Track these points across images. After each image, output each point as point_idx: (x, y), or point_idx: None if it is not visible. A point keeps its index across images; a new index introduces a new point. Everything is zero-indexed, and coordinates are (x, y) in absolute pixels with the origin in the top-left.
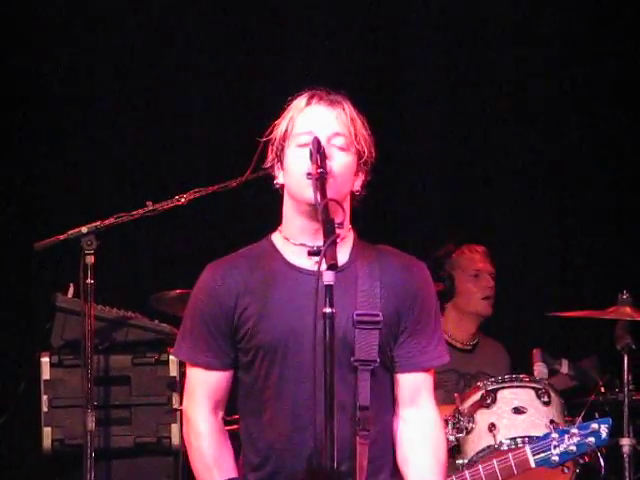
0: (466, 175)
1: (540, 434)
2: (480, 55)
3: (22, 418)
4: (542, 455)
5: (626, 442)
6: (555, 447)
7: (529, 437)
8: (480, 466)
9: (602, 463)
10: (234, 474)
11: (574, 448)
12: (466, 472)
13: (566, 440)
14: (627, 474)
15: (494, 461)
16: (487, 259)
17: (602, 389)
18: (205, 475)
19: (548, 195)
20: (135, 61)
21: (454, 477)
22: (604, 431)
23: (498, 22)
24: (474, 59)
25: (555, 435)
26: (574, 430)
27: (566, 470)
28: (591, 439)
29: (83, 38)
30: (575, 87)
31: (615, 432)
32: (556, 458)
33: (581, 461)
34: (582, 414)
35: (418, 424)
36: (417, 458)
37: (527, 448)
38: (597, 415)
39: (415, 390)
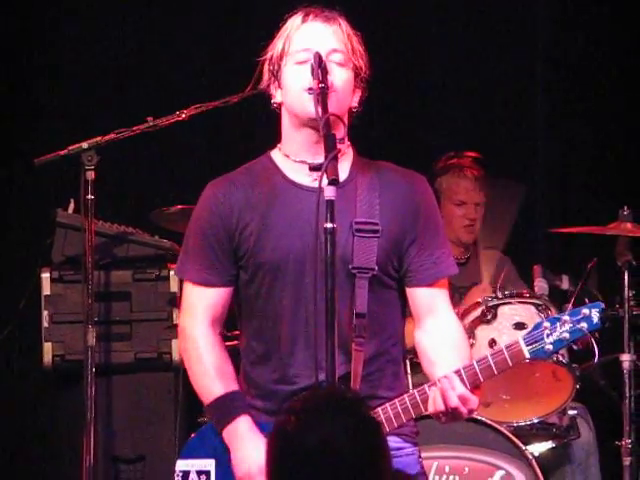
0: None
1: None
2: None
3: (23, 333)
4: (536, 345)
5: (626, 358)
6: (548, 336)
7: None
8: (474, 362)
9: (596, 349)
10: (236, 387)
11: (567, 335)
12: (461, 368)
13: (558, 327)
14: (627, 390)
15: (488, 355)
16: (479, 188)
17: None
18: (207, 388)
19: (550, 110)
20: None
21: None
22: (595, 315)
23: None
24: None
25: (547, 324)
26: (565, 317)
27: (560, 358)
28: (583, 324)
29: None
30: None
31: (615, 348)
32: (550, 347)
33: (575, 347)
34: (572, 301)
35: (440, 331)
36: (444, 359)
37: (520, 339)
38: (587, 300)
39: (433, 300)
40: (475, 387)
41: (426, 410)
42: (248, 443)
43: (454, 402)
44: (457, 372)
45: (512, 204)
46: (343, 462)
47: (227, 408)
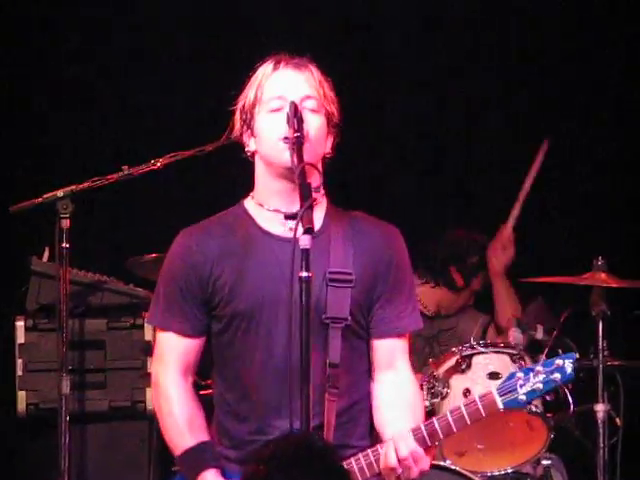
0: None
1: None
2: None
3: None
4: (509, 395)
5: (600, 408)
6: (521, 386)
7: None
8: (448, 413)
9: (570, 399)
10: (207, 438)
11: (540, 385)
12: (434, 419)
13: (532, 378)
14: (601, 440)
15: (461, 406)
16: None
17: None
18: (177, 440)
19: (523, 163)
20: (107, 28)
21: (422, 425)
22: (569, 366)
23: None
24: None
25: (520, 374)
26: (539, 367)
27: (534, 408)
28: (557, 375)
29: None
30: None
31: (589, 398)
32: (523, 397)
33: (548, 398)
34: (545, 352)
35: (396, 387)
36: (395, 418)
37: (493, 389)
38: (561, 351)
39: (392, 354)
40: (427, 448)
41: (379, 470)
42: None
43: (404, 455)
44: (413, 430)
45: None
46: None
47: (196, 460)
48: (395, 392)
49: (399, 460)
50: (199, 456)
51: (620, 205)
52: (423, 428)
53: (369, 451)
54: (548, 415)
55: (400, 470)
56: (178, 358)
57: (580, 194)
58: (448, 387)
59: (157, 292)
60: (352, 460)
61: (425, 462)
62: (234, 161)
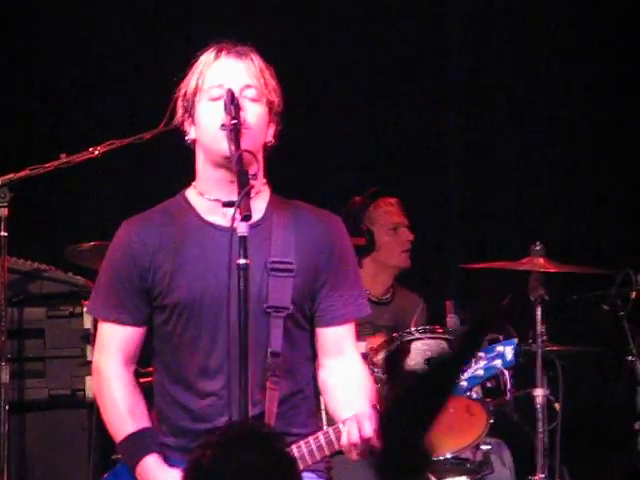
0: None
1: None
2: None
3: None
4: None
5: (539, 393)
6: (462, 373)
7: None
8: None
9: (509, 385)
10: (148, 424)
11: (481, 372)
12: (375, 406)
13: (473, 365)
14: (540, 424)
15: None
16: (402, 212)
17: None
18: (118, 425)
19: (459, 146)
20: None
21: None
22: (510, 352)
23: None
24: None
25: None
26: (480, 354)
27: (474, 395)
28: (498, 361)
29: None
30: None
31: (528, 383)
32: (464, 384)
33: (489, 384)
34: (487, 339)
35: (347, 371)
36: (351, 400)
37: None
38: (501, 337)
39: (339, 341)
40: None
41: (340, 447)
42: (160, 473)
43: (369, 434)
44: (369, 413)
45: None
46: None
47: (138, 446)
48: (347, 376)
49: (362, 437)
50: (140, 442)
51: (558, 190)
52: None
53: (311, 438)
54: (487, 400)
55: (362, 447)
56: (119, 348)
57: (517, 179)
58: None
59: (98, 282)
60: (293, 447)
61: (377, 443)
62: (176, 149)
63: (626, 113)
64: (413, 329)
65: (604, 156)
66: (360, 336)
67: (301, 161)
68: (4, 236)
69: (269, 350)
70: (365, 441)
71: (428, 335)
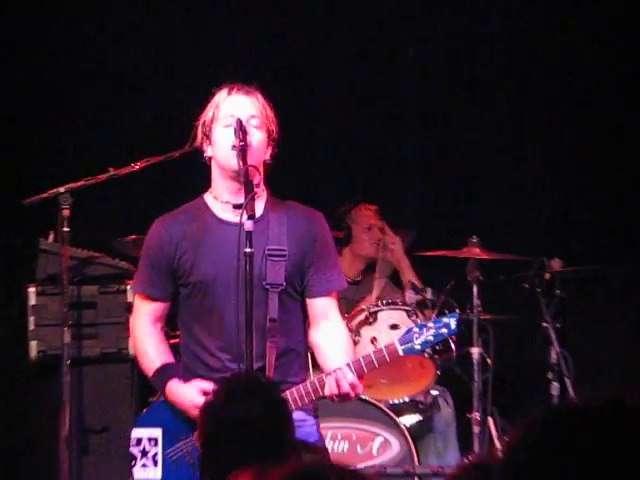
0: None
1: None
2: None
3: (15, 335)
4: (407, 345)
5: (475, 351)
6: (417, 338)
7: None
8: (361, 357)
9: (453, 347)
10: (172, 360)
11: (432, 338)
12: (350, 362)
13: (425, 332)
14: (476, 375)
15: (371, 353)
16: (378, 216)
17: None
18: (149, 366)
19: (419, 150)
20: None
21: (360, 358)
22: (453, 323)
23: None
24: None
25: (416, 329)
26: (430, 324)
27: (426, 355)
28: (444, 330)
29: None
30: None
31: (467, 344)
32: (418, 347)
33: (437, 347)
34: (436, 312)
35: (331, 332)
36: (334, 356)
37: (395, 340)
38: (447, 311)
39: (326, 308)
40: (360, 376)
41: (323, 394)
42: (185, 389)
43: (345, 388)
44: (347, 365)
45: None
46: (259, 430)
47: (164, 374)
48: (331, 336)
49: (340, 389)
50: (165, 372)
51: (492, 187)
52: (361, 361)
53: (301, 385)
54: (436, 357)
55: (341, 394)
56: (149, 315)
57: (459, 179)
58: (359, 336)
59: (139, 267)
60: (287, 392)
61: (360, 388)
62: (197, 165)
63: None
64: (379, 302)
65: (530, 157)
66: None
67: (301, 173)
68: (67, 231)
69: (268, 317)
70: (342, 392)
71: (391, 307)
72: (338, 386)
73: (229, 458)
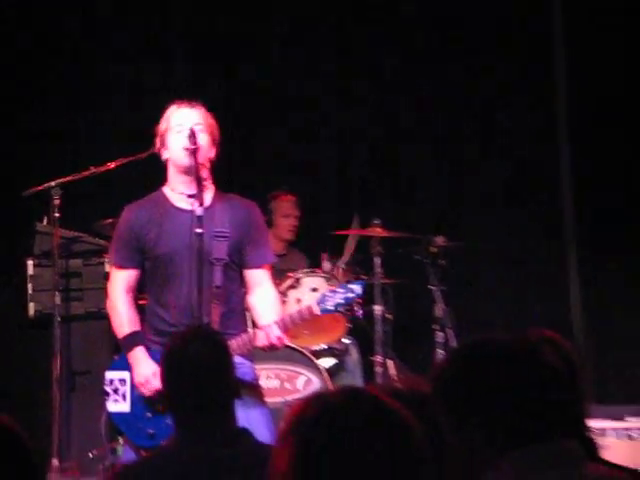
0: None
1: None
2: None
3: (17, 298)
4: (323, 305)
5: (378, 308)
6: (330, 300)
7: None
8: (287, 315)
9: (358, 306)
10: (139, 328)
11: (342, 301)
12: (278, 320)
13: (337, 296)
14: (379, 328)
15: (295, 312)
16: (295, 206)
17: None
18: (121, 329)
19: (341, 146)
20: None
21: (286, 316)
22: (359, 288)
23: None
24: None
25: (330, 293)
26: (340, 290)
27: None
28: (352, 294)
29: None
30: None
31: (371, 302)
32: (332, 307)
33: (347, 307)
34: (346, 279)
35: (264, 296)
36: (266, 314)
37: (314, 302)
38: (355, 279)
39: (259, 277)
40: (286, 330)
41: (256, 345)
42: (143, 361)
43: (273, 340)
44: (276, 322)
45: None
46: (208, 367)
47: (131, 341)
48: (264, 299)
49: (268, 341)
50: (132, 339)
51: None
52: (287, 318)
53: (242, 336)
54: (347, 313)
55: (270, 345)
56: (122, 281)
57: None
58: (287, 297)
59: (113, 244)
60: (232, 340)
61: (284, 340)
62: (157, 165)
63: None
64: (300, 271)
65: (422, 142)
66: None
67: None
68: (57, 216)
69: (214, 284)
70: (270, 343)
71: (311, 275)
72: (267, 339)
73: (184, 391)
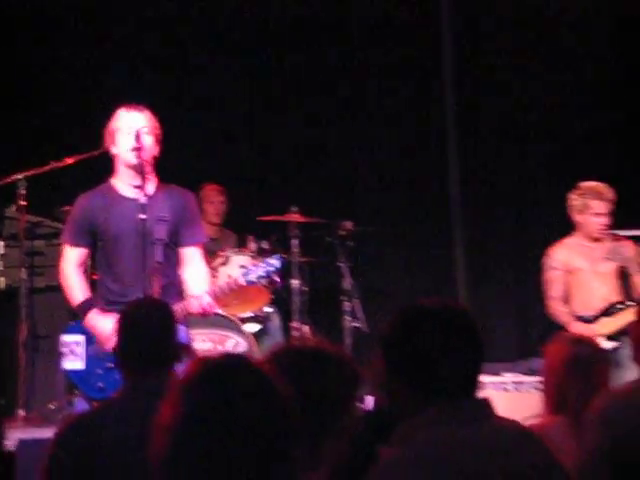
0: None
1: None
2: None
3: None
4: (247, 277)
5: (295, 282)
6: (254, 273)
7: None
8: (217, 286)
9: (278, 279)
10: (90, 295)
11: (263, 274)
12: (209, 290)
13: (259, 269)
14: (296, 298)
15: (225, 283)
16: (218, 194)
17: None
18: (74, 297)
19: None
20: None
21: (216, 287)
22: (277, 263)
23: None
24: None
25: (253, 267)
26: (262, 264)
27: (263, 284)
28: (271, 268)
29: None
30: None
31: (289, 277)
32: (255, 279)
33: (270, 279)
34: (269, 256)
35: (196, 270)
36: (197, 284)
37: (240, 275)
38: (274, 256)
39: (193, 255)
40: (216, 299)
41: (190, 311)
42: (101, 320)
43: (204, 307)
44: (207, 292)
45: None
46: (155, 327)
47: (85, 306)
48: (196, 273)
49: (202, 308)
50: (86, 304)
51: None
52: (217, 289)
53: (178, 304)
54: (269, 285)
55: (202, 311)
56: (74, 258)
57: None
58: (218, 273)
59: (67, 226)
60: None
61: (215, 307)
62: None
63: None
64: (229, 250)
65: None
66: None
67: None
68: (23, 204)
69: (155, 260)
70: (202, 310)
71: (239, 254)
72: (200, 306)
73: (134, 350)
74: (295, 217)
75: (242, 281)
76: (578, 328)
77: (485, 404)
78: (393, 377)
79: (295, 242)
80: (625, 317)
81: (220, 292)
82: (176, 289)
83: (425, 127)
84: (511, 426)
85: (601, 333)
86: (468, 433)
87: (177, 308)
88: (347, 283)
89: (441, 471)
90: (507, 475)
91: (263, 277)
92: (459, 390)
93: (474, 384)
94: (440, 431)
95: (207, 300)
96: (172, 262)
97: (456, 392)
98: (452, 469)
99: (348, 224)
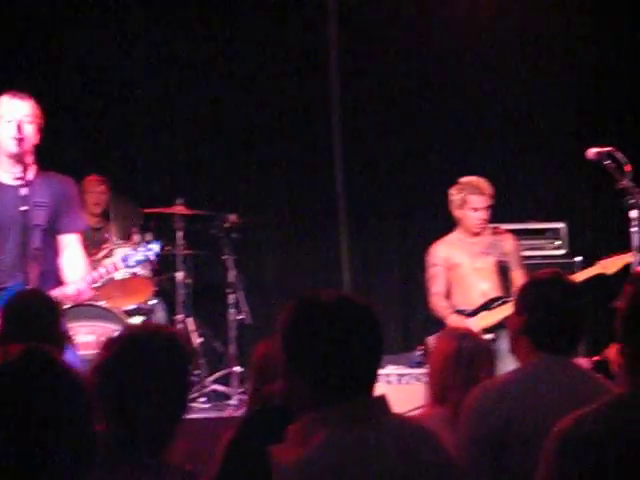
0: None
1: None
2: None
3: None
4: (126, 262)
5: (180, 274)
6: (132, 257)
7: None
8: (94, 273)
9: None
10: None
11: (142, 257)
12: (85, 277)
13: (137, 253)
14: (181, 291)
15: (101, 269)
16: (99, 185)
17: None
18: None
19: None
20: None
21: (90, 275)
22: (157, 248)
23: None
24: None
25: (131, 252)
26: (141, 248)
27: (146, 273)
28: (150, 252)
29: None
30: None
31: (172, 269)
32: (133, 263)
33: (151, 266)
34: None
35: (74, 256)
36: (74, 271)
37: (118, 259)
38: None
39: (70, 242)
40: (95, 286)
41: (67, 295)
42: None
43: (79, 292)
44: (82, 278)
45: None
46: (41, 319)
47: None
48: (74, 258)
49: (78, 290)
50: None
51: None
52: (94, 275)
53: (55, 289)
54: (153, 278)
55: (77, 294)
56: None
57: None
58: (102, 265)
59: None
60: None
61: (89, 293)
62: None
63: None
64: (113, 242)
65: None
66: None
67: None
68: None
69: (34, 247)
70: (76, 294)
71: (122, 246)
72: (76, 290)
73: (20, 340)
74: (180, 209)
75: (120, 265)
76: (455, 320)
77: (382, 402)
78: (292, 370)
79: (180, 234)
80: (503, 311)
81: (99, 278)
82: (55, 276)
83: (309, 116)
84: (408, 425)
85: (478, 325)
86: (365, 434)
87: (54, 294)
88: (232, 275)
89: (340, 477)
90: (406, 475)
91: (142, 261)
92: (357, 387)
93: (372, 381)
94: (337, 432)
95: (83, 284)
96: (50, 249)
97: (354, 389)
98: (351, 474)
99: (233, 217)
